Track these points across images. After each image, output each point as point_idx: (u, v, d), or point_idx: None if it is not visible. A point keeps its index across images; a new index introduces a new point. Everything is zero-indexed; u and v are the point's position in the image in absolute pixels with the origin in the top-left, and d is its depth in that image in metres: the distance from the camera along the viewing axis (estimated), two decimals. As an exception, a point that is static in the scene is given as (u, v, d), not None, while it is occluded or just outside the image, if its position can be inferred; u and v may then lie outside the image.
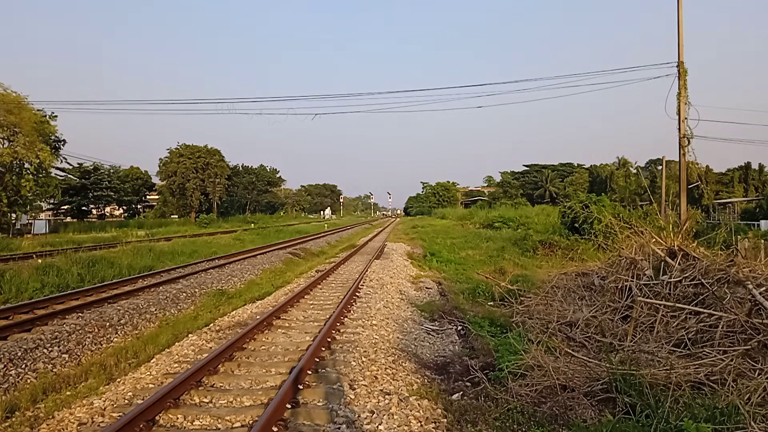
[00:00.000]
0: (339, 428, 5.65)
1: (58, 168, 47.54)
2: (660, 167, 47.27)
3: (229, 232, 43.32)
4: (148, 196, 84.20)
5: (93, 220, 64.44)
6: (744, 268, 9.07)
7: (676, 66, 19.85)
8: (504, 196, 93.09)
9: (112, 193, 68.19)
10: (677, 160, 20.55)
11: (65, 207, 64.11)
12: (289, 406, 6.18)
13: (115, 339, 10.48)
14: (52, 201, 56.90)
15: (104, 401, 6.53)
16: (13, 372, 7.96)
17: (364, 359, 8.11)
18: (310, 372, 7.48)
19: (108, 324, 10.87)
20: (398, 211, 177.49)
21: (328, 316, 11.04)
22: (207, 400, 6.53)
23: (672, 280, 9.31)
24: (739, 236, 15.61)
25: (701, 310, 7.99)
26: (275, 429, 5.57)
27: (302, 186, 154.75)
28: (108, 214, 76.87)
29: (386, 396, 6.54)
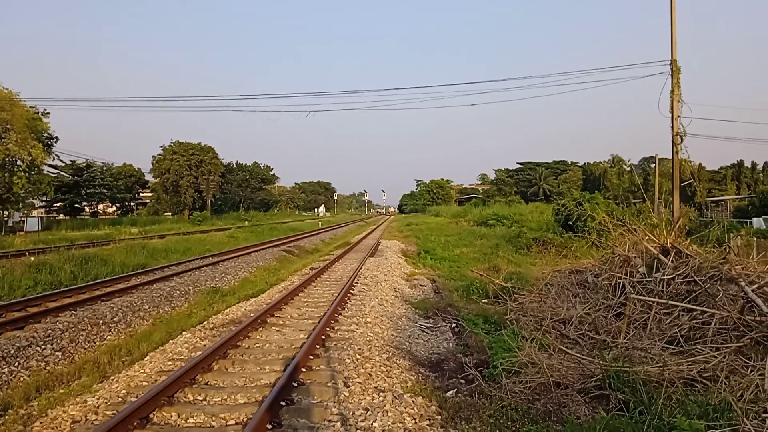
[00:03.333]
0: (334, 425, 5.65)
1: (50, 165, 47.36)
2: (653, 165, 47.46)
3: (222, 229, 43.18)
4: (141, 194, 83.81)
5: (86, 217, 64.03)
6: (736, 265, 9.13)
7: (669, 64, 19.91)
8: (498, 194, 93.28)
9: (105, 191, 67.80)
10: (670, 157, 20.65)
11: (58, 204, 63.76)
12: (283, 403, 6.18)
13: (109, 337, 10.44)
14: (44, 198, 56.63)
15: (98, 399, 6.51)
16: (6, 370, 7.92)
17: (358, 357, 8.11)
18: (304, 369, 7.49)
19: (101, 322, 10.83)
20: (392, 209, 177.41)
21: (322, 314, 11.03)
22: (201, 398, 6.52)
23: (665, 277, 9.35)
24: (731, 234, 15.71)
25: (694, 307, 8.03)
26: (269, 427, 5.58)
27: (296, 183, 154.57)
28: (101, 212, 76.43)
29: (381, 393, 6.55)
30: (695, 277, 8.93)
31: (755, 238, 15.96)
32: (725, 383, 5.73)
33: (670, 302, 8.34)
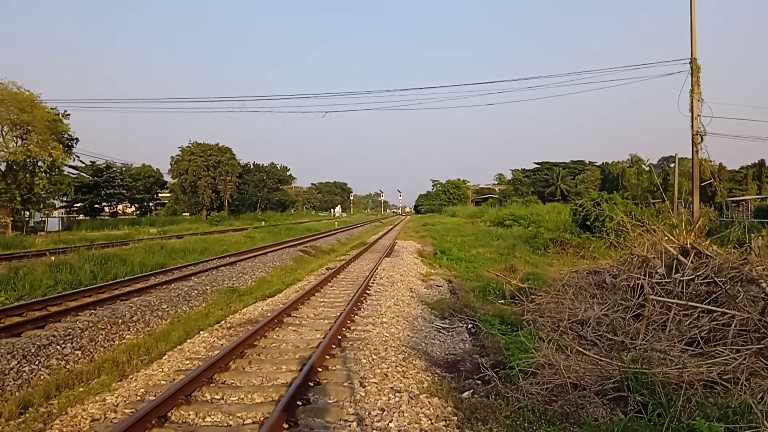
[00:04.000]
0: (350, 425, 5.66)
1: (70, 166, 48.08)
2: (672, 164, 46.95)
3: (240, 229, 43.48)
4: (159, 194, 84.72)
5: (105, 217, 64.99)
6: (757, 266, 8.99)
7: (689, 62, 19.68)
8: (515, 194, 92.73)
9: (124, 191, 68.71)
10: (690, 157, 20.42)
11: (78, 205, 64.73)
12: (299, 403, 6.20)
13: (128, 336, 10.55)
14: (65, 199, 57.57)
15: (116, 397, 6.59)
16: (26, 368, 8.03)
17: (374, 357, 8.12)
18: (320, 369, 7.51)
19: (120, 321, 10.95)
20: (408, 209, 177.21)
21: (338, 314, 11.06)
22: (218, 397, 6.56)
23: (684, 278, 9.23)
24: (752, 234, 15.46)
25: (714, 308, 7.92)
26: (286, 426, 5.60)
27: (313, 184, 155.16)
28: (120, 212, 77.50)
29: (396, 393, 6.54)
30: (715, 278, 8.80)
31: (777, 239, 15.68)
32: (745, 385, 5.65)
33: (690, 303, 8.24)
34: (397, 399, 6.34)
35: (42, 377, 7.93)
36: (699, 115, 19.31)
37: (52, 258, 18.28)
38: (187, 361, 8.16)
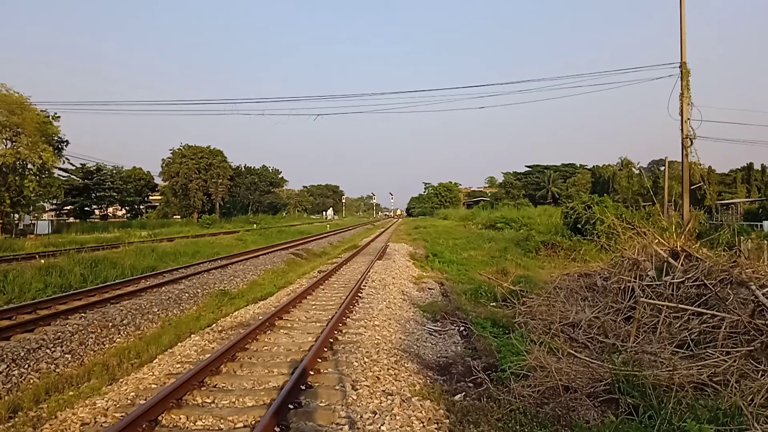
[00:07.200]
0: (341, 429, 5.65)
1: (60, 168, 47.67)
2: (663, 168, 47.23)
3: (231, 232, 43.30)
4: (150, 197, 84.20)
5: (96, 220, 64.49)
6: (747, 269, 9.06)
7: (679, 67, 19.82)
8: (506, 197, 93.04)
9: (114, 194, 68.13)
10: (680, 160, 20.54)
11: (68, 207, 64.21)
12: (291, 406, 6.19)
13: (118, 339, 10.49)
14: (54, 201, 56.99)
15: (107, 401, 6.55)
16: (15, 372, 7.98)
17: (366, 360, 8.11)
18: (312, 372, 7.49)
19: (111, 324, 10.89)
20: (400, 212, 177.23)
21: (330, 317, 11.04)
22: (209, 401, 6.54)
23: (675, 281, 9.29)
24: (742, 237, 15.59)
25: (704, 311, 7.97)
26: (277, 429, 5.58)
27: (304, 186, 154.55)
28: (111, 215, 76.93)
29: (389, 397, 6.54)
30: (705, 281, 8.87)
31: (766, 242, 15.82)
32: (735, 387, 5.69)
33: (680, 306, 8.29)
34: (389, 402, 6.34)
35: (31, 381, 7.87)
36: (689, 119, 19.45)
37: (42, 261, 18.12)
38: (178, 365, 8.12)
